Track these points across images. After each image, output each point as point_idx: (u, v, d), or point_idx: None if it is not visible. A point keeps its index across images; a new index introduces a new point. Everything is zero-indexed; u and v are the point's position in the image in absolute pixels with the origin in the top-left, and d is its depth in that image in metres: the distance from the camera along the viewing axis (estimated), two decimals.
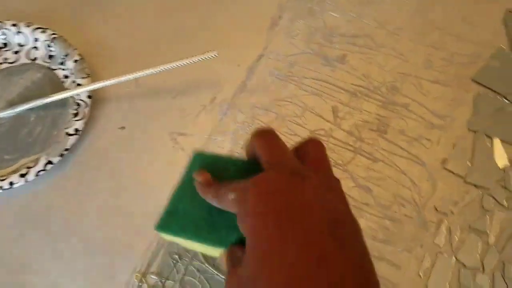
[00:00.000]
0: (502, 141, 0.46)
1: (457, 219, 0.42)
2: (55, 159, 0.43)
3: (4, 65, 0.49)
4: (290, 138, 0.46)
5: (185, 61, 0.45)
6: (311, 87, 0.50)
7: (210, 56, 0.45)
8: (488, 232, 0.41)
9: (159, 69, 0.45)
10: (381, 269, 0.40)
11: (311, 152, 0.29)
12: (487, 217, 0.42)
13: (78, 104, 0.46)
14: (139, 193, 0.44)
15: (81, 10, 0.55)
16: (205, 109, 0.49)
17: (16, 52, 0.50)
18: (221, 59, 0.45)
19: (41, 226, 0.42)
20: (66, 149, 0.44)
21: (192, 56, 0.45)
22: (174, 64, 0.45)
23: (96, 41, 0.52)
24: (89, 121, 0.46)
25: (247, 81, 0.50)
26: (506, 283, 0.39)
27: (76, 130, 0.44)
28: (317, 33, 0.53)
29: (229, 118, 0.48)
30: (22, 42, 0.50)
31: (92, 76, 0.48)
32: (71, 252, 0.41)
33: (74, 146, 0.45)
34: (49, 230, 0.42)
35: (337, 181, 0.28)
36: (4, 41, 0.50)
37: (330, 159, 0.30)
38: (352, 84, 0.50)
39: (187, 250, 0.41)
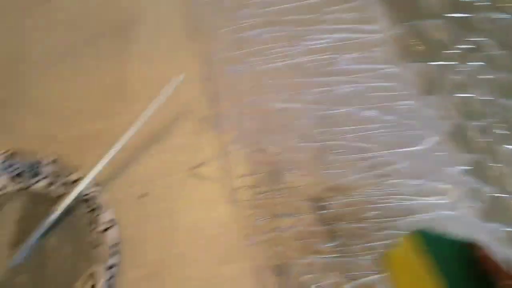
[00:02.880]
0: None
1: None
2: (113, 260, 0.39)
3: None
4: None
5: (158, 100, 0.44)
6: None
7: (178, 82, 0.45)
8: None
9: (141, 122, 0.43)
10: None
11: None
12: None
13: (87, 200, 0.42)
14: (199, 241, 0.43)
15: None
16: (199, 134, 0.48)
17: None
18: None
19: None
20: (116, 244, 0.40)
21: (160, 93, 0.44)
22: (151, 110, 0.44)
23: (38, 136, 0.47)
24: None
25: (214, 88, 0.51)
26: None
27: (111, 221, 0.41)
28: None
29: (226, 129, 0.49)
30: None
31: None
32: None
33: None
34: None
35: None
36: None
37: None
38: None
39: None
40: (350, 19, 0.56)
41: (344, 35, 0.55)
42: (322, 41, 0.54)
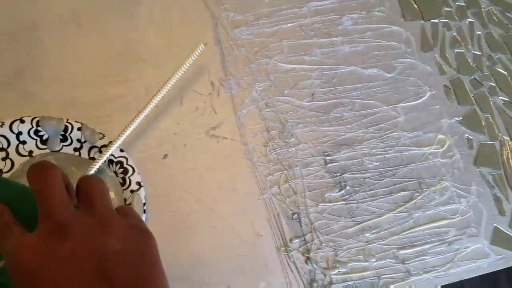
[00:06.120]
0: None
1: None
2: (143, 216, 0.43)
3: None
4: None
5: (182, 70, 0.45)
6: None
7: (200, 51, 0.46)
8: None
9: (165, 90, 0.45)
10: None
11: (82, 190, 0.31)
12: None
13: (119, 163, 0.45)
14: (221, 196, 0.48)
15: (18, 82, 0.49)
16: (212, 95, 0.51)
17: (3, 159, 0.45)
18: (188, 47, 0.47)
19: None
20: (144, 204, 0.44)
21: (184, 61, 0.45)
22: (175, 78, 0.45)
23: (60, 102, 0.48)
24: None
25: (224, 51, 0.53)
26: None
27: (139, 183, 0.44)
28: None
29: (237, 90, 0.51)
30: (4, 145, 0.45)
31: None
32: None
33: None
34: None
35: (112, 214, 0.30)
36: None
37: None
38: None
39: None
40: None
41: None
42: (326, 2, 0.56)
